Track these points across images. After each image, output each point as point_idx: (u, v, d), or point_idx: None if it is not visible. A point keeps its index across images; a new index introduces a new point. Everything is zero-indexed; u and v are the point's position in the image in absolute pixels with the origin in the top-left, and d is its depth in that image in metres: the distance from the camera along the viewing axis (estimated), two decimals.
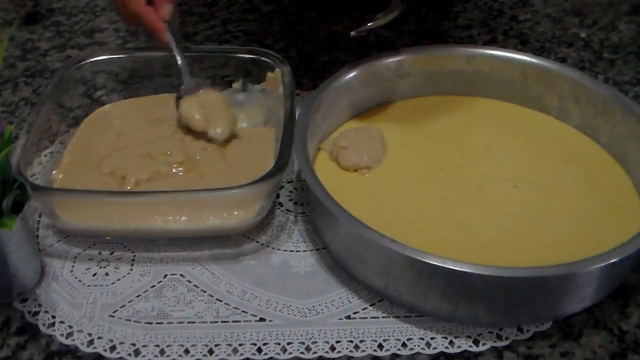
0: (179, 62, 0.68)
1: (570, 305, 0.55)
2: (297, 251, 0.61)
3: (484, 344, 0.53)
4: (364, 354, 0.53)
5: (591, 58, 0.85)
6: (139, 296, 0.57)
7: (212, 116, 0.66)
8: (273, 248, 0.61)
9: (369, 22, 0.66)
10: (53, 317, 0.55)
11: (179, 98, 0.68)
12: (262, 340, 0.54)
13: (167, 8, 0.67)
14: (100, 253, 0.60)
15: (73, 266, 0.59)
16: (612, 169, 0.66)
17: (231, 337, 0.54)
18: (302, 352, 0.53)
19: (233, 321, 0.55)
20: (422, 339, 0.54)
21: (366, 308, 0.56)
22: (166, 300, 0.57)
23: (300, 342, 0.53)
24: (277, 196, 0.65)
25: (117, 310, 0.56)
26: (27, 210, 0.55)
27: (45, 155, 0.68)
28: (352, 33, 0.66)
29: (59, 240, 0.61)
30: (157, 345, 0.53)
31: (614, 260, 0.52)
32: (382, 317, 0.55)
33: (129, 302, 0.56)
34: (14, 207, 0.53)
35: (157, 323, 0.55)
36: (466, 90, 0.73)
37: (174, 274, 0.59)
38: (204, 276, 0.58)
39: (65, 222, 0.59)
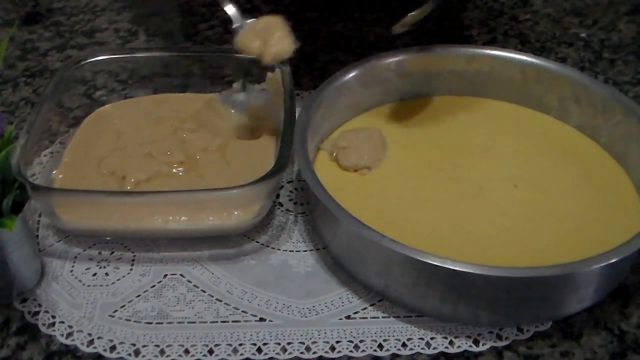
0: None
1: (570, 305, 0.55)
2: (297, 251, 0.61)
3: (484, 344, 0.53)
4: (364, 354, 0.53)
5: (591, 58, 0.85)
6: (139, 296, 0.57)
7: (270, 40, 0.65)
8: (273, 248, 0.61)
9: (407, 16, 0.65)
10: (53, 317, 0.55)
11: (234, 32, 0.67)
12: (262, 340, 0.54)
13: None
14: (100, 253, 0.60)
15: (73, 266, 0.59)
16: (612, 169, 0.66)
17: (231, 337, 0.54)
18: (302, 352, 0.53)
19: (233, 321, 0.55)
20: (422, 339, 0.54)
21: (366, 308, 0.56)
22: (166, 300, 0.57)
23: (300, 342, 0.53)
24: (277, 196, 0.65)
25: (117, 310, 0.56)
26: (27, 210, 0.55)
27: (45, 155, 0.68)
28: (394, 28, 0.65)
29: (59, 240, 0.61)
30: (157, 345, 0.53)
31: (614, 260, 0.52)
32: (382, 317, 0.55)
33: (129, 302, 0.56)
34: (14, 207, 0.53)
35: (157, 323, 0.55)
36: (466, 90, 0.73)
37: (174, 274, 0.59)
38: (204, 276, 0.58)
39: (65, 222, 0.59)
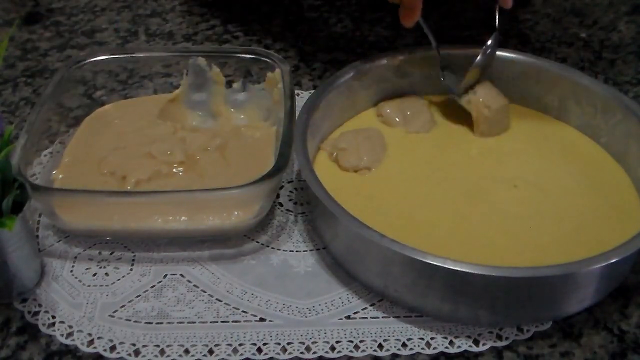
0: (434, 45, 0.68)
1: (570, 305, 0.55)
2: (297, 251, 0.61)
3: (484, 344, 0.53)
4: (364, 354, 0.53)
5: (591, 58, 0.85)
6: (139, 296, 0.57)
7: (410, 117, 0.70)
8: (273, 248, 0.61)
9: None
10: (53, 317, 0.55)
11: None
12: (262, 340, 0.54)
13: None
14: (100, 253, 0.60)
15: (73, 266, 0.59)
16: (612, 169, 0.66)
17: (231, 337, 0.54)
18: (302, 352, 0.53)
19: (233, 321, 0.55)
20: (422, 339, 0.54)
21: (366, 308, 0.56)
22: (166, 300, 0.57)
23: (300, 342, 0.53)
24: (277, 196, 0.65)
25: (117, 310, 0.56)
26: (27, 210, 0.55)
27: (45, 155, 0.68)
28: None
29: (59, 240, 0.61)
30: (157, 345, 0.53)
31: (614, 260, 0.52)
32: (382, 317, 0.55)
33: (129, 302, 0.56)
34: (14, 207, 0.53)
35: (157, 323, 0.55)
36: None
37: (174, 274, 0.59)
38: (204, 276, 0.58)
39: (65, 222, 0.59)
